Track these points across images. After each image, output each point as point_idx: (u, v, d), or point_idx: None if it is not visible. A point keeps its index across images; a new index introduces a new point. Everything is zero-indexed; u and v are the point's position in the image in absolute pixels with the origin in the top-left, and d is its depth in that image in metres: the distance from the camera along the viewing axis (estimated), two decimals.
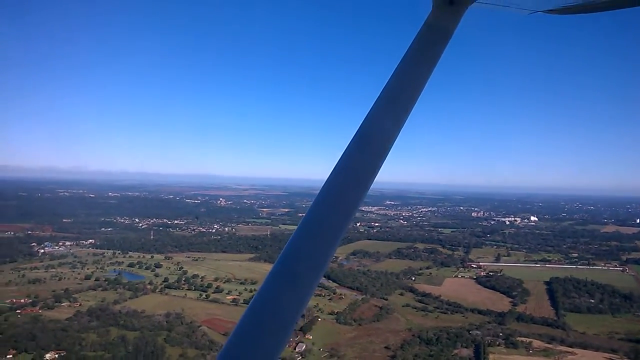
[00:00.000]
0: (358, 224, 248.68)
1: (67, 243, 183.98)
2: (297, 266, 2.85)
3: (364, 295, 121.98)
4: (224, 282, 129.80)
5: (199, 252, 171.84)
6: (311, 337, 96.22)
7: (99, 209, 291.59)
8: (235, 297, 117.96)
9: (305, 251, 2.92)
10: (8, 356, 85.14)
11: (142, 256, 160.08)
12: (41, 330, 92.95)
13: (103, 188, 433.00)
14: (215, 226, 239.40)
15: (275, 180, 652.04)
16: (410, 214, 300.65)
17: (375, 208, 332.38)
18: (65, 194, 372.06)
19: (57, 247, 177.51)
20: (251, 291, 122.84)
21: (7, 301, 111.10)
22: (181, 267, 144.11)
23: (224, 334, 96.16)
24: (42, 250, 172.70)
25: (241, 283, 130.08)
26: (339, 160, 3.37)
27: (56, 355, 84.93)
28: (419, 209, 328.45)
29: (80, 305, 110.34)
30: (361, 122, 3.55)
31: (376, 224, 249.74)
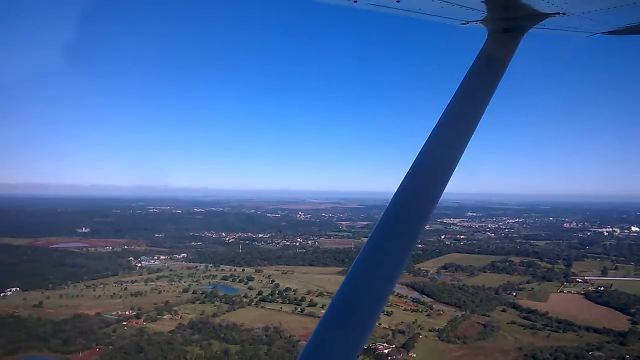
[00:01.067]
0: (443, 237, 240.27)
1: (162, 257, 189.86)
2: (373, 270, 2.89)
3: (464, 312, 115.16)
4: (317, 296, 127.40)
5: (286, 265, 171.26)
6: (415, 355, 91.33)
7: (187, 224, 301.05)
8: None
9: (381, 256, 2.97)
10: None
11: (233, 269, 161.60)
12: (147, 343, 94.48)
13: (188, 204, 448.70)
14: (299, 240, 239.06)
15: (350, 194, 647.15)
16: (496, 225, 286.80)
17: (458, 220, 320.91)
18: (155, 210, 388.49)
19: (152, 261, 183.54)
20: None
21: (114, 313, 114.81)
22: (272, 280, 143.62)
23: None
24: (140, 264, 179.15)
25: (332, 296, 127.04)
26: (407, 174, 3.43)
27: None
28: (504, 220, 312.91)
29: (181, 318, 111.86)
30: (423, 145, 3.52)
31: (462, 237, 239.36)
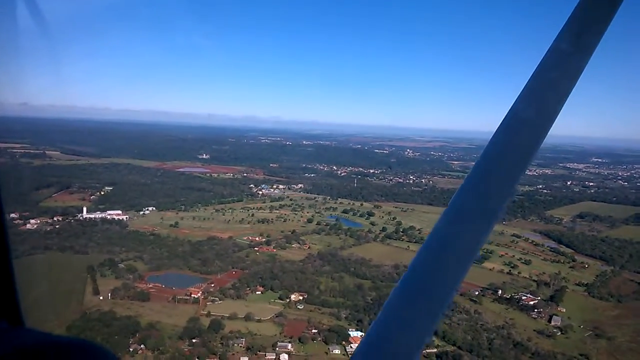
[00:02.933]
0: (569, 183, 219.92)
1: (280, 186, 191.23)
2: (449, 246, 2.44)
3: (612, 267, 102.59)
4: None
5: (404, 202, 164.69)
6: (564, 311, 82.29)
7: (298, 156, 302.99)
8: None
9: (452, 242, 2.48)
10: (257, 292, 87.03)
11: (351, 203, 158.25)
12: (281, 270, 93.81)
13: (297, 137, 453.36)
14: (411, 177, 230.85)
15: (456, 133, 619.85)
16: (628, 173, 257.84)
17: (582, 165, 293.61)
18: (266, 141, 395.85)
19: (272, 190, 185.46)
20: None
21: (245, 238, 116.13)
22: (394, 218, 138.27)
23: (460, 294, 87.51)
24: (261, 192, 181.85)
25: None
26: (505, 118, 2.82)
27: (300, 297, 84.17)
28: (636, 168, 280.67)
29: (308, 247, 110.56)
30: (510, 109, 2.88)
31: (591, 184, 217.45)
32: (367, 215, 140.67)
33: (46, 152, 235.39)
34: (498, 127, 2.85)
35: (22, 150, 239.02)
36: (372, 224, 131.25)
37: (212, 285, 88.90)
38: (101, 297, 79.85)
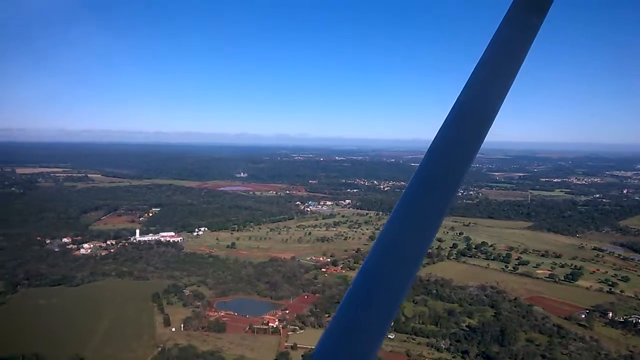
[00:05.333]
0: (625, 191, 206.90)
1: (327, 202, 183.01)
2: (395, 252, 2.60)
3: None
4: (521, 253, 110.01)
5: (462, 216, 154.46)
6: None
7: (334, 171, 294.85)
8: (548, 271, 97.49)
9: (403, 238, 2.65)
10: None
11: None
12: None
13: (327, 153, 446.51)
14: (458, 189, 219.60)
15: (487, 144, 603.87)
16: None
17: (630, 173, 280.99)
18: (299, 158, 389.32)
19: (320, 207, 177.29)
20: (562, 266, 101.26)
21: (308, 258, 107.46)
22: (460, 233, 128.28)
23: (565, 318, 77.14)
24: (309, 209, 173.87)
25: (542, 255, 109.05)
26: (431, 146, 3.03)
27: None
28: None
29: None
30: (454, 102, 3.21)
31: None
32: None
33: (88, 175, 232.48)
34: (442, 124, 3.02)
35: (65, 174, 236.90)
36: (439, 240, 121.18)
37: (287, 312, 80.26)
38: (173, 329, 71.90)
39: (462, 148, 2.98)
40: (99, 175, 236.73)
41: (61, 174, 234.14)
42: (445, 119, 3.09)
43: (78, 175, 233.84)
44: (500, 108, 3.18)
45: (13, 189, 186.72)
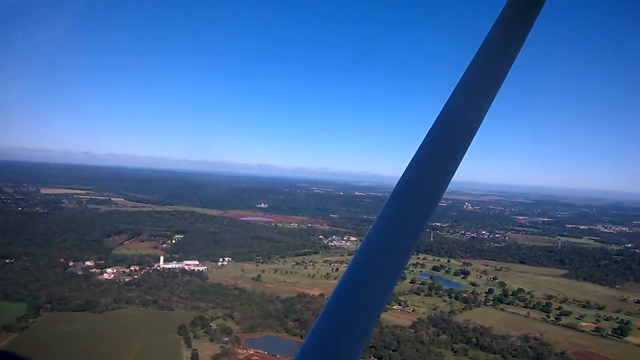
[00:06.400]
0: None
1: (352, 238, 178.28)
2: (378, 260, 2.63)
3: None
4: (561, 303, 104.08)
5: (493, 260, 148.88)
6: None
7: (356, 207, 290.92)
8: (593, 324, 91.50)
9: (386, 245, 2.69)
10: None
11: (436, 259, 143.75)
12: (393, 338, 79.61)
13: (347, 188, 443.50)
14: (483, 232, 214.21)
15: (505, 187, 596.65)
16: None
17: None
18: (319, 191, 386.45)
19: (344, 242, 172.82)
20: (607, 319, 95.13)
21: None
22: (494, 278, 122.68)
23: None
24: (332, 244, 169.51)
25: (583, 306, 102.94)
26: (414, 156, 3.08)
27: None
28: None
29: (413, 310, 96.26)
30: (439, 114, 3.27)
31: None
32: (462, 274, 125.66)
33: (111, 198, 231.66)
34: (424, 139, 3.09)
35: (88, 197, 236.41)
36: (473, 284, 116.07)
37: None
38: None
39: (445, 159, 2.96)
40: (122, 199, 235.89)
41: (84, 196, 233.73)
42: (430, 128, 3.06)
43: (101, 198, 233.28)
44: (484, 118, 3.14)
45: (37, 208, 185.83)
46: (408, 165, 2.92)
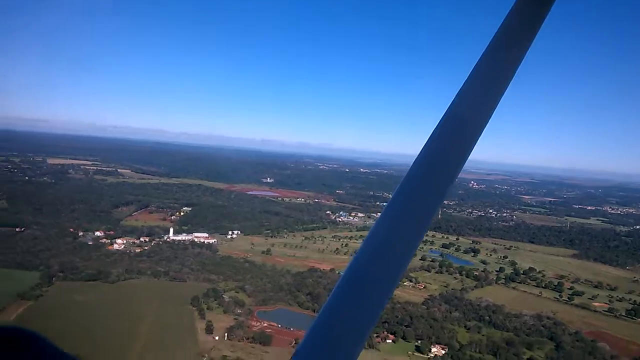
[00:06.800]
0: None
1: (359, 214, 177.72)
2: (381, 256, 2.62)
3: None
4: (572, 282, 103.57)
5: (501, 239, 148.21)
6: None
7: (361, 183, 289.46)
8: (606, 305, 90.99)
9: (390, 241, 2.69)
10: (387, 341, 72.88)
11: (445, 237, 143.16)
12: (406, 314, 79.21)
13: (352, 164, 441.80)
14: (490, 211, 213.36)
15: (510, 166, 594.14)
16: None
17: None
18: (324, 167, 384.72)
19: (351, 217, 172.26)
20: (620, 300, 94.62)
21: None
22: (504, 257, 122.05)
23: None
24: (340, 219, 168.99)
25: (595, 286, 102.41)
26: (425, 146, 3.11)
27: (442, 351, 69.48)
28: None
29: (424, 287, 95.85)
30: (448, 107, 3.28)
31: None
32: (472, 252, 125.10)
33: (118, 170, 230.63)
34: (433, 130, 3.13)
35: (95, 168, 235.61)
36: (483, 262, 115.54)
37: None
38: (216, 337, 67.37)
39: (454, 151, 2.97)
40: (129, 171, 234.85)
41: (91, 167, 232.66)
42: (440, 121, 3.08)
43: (108, 169, 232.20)
44: (492, 114, 3.15)
45: (45, 178, 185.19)
46: (418, 156, 2.89)
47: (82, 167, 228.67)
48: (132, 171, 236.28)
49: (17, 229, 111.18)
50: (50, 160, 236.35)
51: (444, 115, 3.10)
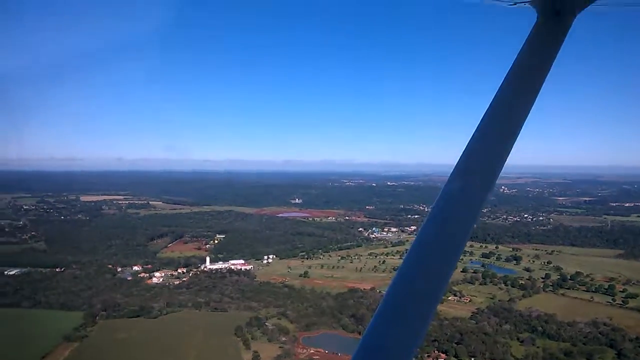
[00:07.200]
0: None
1: (392, 229, 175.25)
2: (430, 257, 2.70)
3: None
4: (624, 285, 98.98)
5: (541, 243, 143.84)
6: None
7: (390, 197, 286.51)
8: None
9: (438, 243, 2.77)
10: None
11: (483, 246, 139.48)
12: (455, 330, 76.60)
13: (377, 178, 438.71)
14: (526, 215, 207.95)
15: (539, 168, 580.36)
16: None
17: None
18: (350, 183, 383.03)
19: (384, 233, 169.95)
20: None
21: None
22: (548, 262, 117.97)
23: None
24: (373, 235, 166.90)
25: None
26: (461, 158, 3.23)
27: None
28: None
29: (470, 300, 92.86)
30: (482, 117, 3.40)
31: None
32: (513, 260, 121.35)
33: (149, 202, 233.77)
34: (469, 141, 3.23)
35: (127, 202, 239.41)
36: (527, 270, 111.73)
37: None
38: None
39: (490, 159, 3.06)
40: (160, 202, 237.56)
41: (123, 202, 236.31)
42: (475, 131, 3.18)
43: (140, 202, 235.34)
44: (523, 125, 3.24)
45: (79, 216, 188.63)
46: (455, 168, 2.95)
47: (114, 202, 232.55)
48: (163, 202, 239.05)
49: (57, 269, 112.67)
50: (84, 198, 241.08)
51: (479, 124, 3.11)
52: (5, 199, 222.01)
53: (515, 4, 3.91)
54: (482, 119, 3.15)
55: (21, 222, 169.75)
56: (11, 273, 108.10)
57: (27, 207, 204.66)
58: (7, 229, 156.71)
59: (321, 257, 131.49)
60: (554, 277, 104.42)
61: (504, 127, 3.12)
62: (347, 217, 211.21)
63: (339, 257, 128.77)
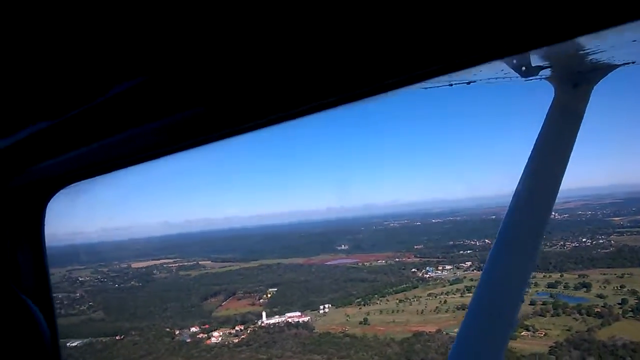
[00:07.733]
0: None
1: (447, 267, 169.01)
2: (498, 293, 2.93)
3: None
4: None
5: (609, 267, 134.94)
6: None
7: (436, 234, 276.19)
8: None
9: (505, 276, 3.04)
10: None
11: (547, 276, 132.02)
12: None
13: (422, 216, 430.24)
14: (583, 240, 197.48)
15: (589, 189, 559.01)
16: None
17: None
18: (394, 224, 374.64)
19: (439, 272, 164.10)
20: None
21: (455, 330, 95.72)
22: (622, 286, 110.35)
23: None
24: (428, 275, 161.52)
25: None
26: (516, 191, 3.55)
27: None
28: None
29: (545, 335, 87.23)
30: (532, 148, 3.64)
31: None
32: (583, 287, 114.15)
33: (199, 262, 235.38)
34: (522, 174, 3.49)
35: (177, 264, 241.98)
36: (600, 296, 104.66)
37: None
38: None
39: (544, 190, 3.32)
40: (209, 262, 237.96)
41: (173, 264, 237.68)
42: (528, 162, 3.45)
43: (189, 263, 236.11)
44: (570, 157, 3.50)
45: (133, 282, 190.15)
46: (511, 201, 3.18)
47: (164, 265, 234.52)
48: (211, 261, 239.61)
49: (117, 337, 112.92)
50: (134, 265, 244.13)
51: (530, 154, 3.31)
52: (60, 272, 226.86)
53: (530, 79, 3.71)
54: (535, 144, 3.29)
55: (78, 294, 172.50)
56: (74, 344, 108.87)
57: (82, 278, 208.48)
58: (65, 302, 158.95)
59: (378, 302, 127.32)
60: (632, 301, 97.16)
61: (557, 152, 3.30)
62: (397, 259, 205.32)
63: (397, 301, 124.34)
